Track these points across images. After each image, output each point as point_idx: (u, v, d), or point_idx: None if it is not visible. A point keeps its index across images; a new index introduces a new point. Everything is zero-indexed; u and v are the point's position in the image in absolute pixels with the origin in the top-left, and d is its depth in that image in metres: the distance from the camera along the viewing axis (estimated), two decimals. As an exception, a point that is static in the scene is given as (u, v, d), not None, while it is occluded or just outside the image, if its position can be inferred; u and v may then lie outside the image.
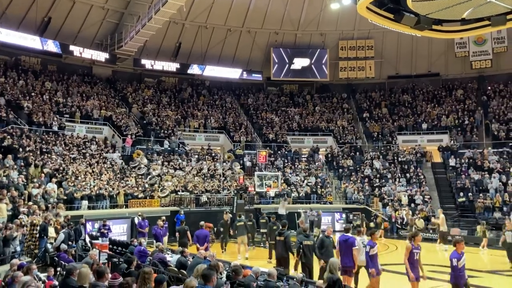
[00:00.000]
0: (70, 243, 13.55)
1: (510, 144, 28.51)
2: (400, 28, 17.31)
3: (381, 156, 31.47)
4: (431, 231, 22.44)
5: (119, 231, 20.23)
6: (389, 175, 29.35)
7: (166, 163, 27.31)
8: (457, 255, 8.42)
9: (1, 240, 12.46)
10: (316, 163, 31.97)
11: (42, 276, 9.40)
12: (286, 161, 31.63)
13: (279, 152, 32.56)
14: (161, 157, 27.89)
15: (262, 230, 19.53)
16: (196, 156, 30.00)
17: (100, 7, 30.67)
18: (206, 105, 35.68)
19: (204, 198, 24.33)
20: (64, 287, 7.17)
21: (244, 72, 37.17)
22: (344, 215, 26.23)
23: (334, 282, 6.68)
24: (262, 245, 19.07)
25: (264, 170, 29.21)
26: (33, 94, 27.10)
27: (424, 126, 33.03)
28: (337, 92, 39.12)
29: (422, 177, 28.63)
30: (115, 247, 14.25)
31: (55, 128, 25.38)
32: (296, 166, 31.36)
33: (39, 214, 15.35)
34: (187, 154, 29.76)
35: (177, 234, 16.68)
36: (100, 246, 14.55)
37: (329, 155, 32.80)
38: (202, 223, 14.93)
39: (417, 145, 31.82)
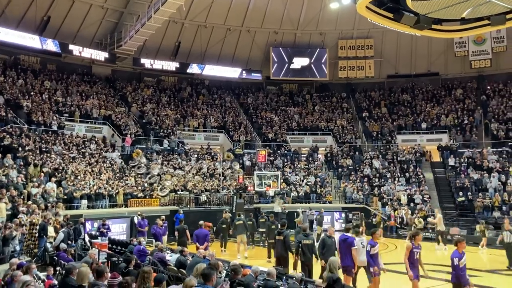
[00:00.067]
0: (69, 242, 13.55)
1: (510, 143, 28.54)
2: (400, 27, 17.30)
3: (380, 156, 31.48)
4: (430, 230, 22.45)
5: (118, 230, 20.25)
6: (388, 175, 29.36)
7: (165, 163, 27.30)
8: (458, 255, 8.42)
9: (0, 240, 12.47)
10: (316, 163, 31.98)
11: (42, 275, 9.40)
12: (285, 160, 31.64)
13: (278, 151, 32.57)
14: (160, 156, 27.89)
15: (261, 230, 19.55)
16: (196, 156, 29.99)
17: (99, 6, 30.64)
18: (205, 105, 35.67)
19: (203, 197, 24.34)
20: (64, 286, 7.16)
21: (244, 72, 37.16)
22: (343, 215, 26.26)
23: (334, 281, 6.68)
24: (261, 244, 19.08)
25: (263, 169, 29.23)
26: (32, 93, 27.08)
27: (424, 125, 33.05)
28: (336, 92, 39.12)
29: (421, 176, 28.65)
30: (114, 246, 14.24)
31: (55, 128, 25.36)
32: (295, 165, 31.36)
33: (39, 214, 15.36)
34: (187, 154, 29.75)
35: (176, 233, 16.69)
36: (100, 245, 14.54)
37: (329, 155, 32.81)
38: (201, 222, 14.93)
39: (416, 144, 31.84)
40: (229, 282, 7.25)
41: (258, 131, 34.40)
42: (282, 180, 28.02)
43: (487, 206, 24.31)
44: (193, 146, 31.48)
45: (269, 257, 15.29)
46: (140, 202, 22.42)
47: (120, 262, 10.06)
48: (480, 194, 25.37)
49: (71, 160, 23.14)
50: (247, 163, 30.62)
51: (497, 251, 17.22)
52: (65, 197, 19.50)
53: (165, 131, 30.45)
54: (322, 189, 28.64)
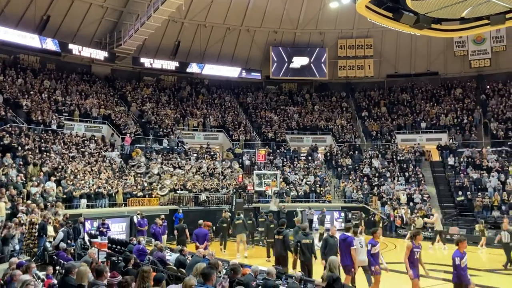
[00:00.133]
0: (69, 241, 13.57)
1: (509, 143, 28.56)
2: (399, 27, 17.31)
3: (380, 155, 31.49)
4: (429, 230, 22.46)
5: (118, 229, 20.27)
6: (388, 174, 29.37)
7: (165, 162, 27.29)
8: (460, 254, 8.41)
9: (0, 239, 12.45)
10: (315, 162, 31.99)
11: (41, 274, 9.40)
12: (285, 160, 31.64)
13: (278, 151, 32.57)
14: (160, 155, 27.89)
15: (260, 229, 19.56)
16: (195, 155, 29.99)
17: (99, 6, 30.62)
18: (205, 104, 35.66)
19: (203, 196, 24.33)
20: (63, 286, 7.16)
21: (243, 71, 37.16)
22: (343, 214, 26.28)
23: (334, 280, 6.69)
24: (261, 243, 19.08)
25: (263, 169, 29.24)
26: (32, 92, 27.05)
27: (423, 125, 33.06)
28: (336, 91, 39.12)
29: (421, 176, 28.67)
30: (114, 245, 14.24)
31: (54, 127, 25.34)
32: (295, 165, 31.37)
33: (38, 213, 15.34)
34: (186, 153, 29.75)
35: (175, 232, 16.72)
36: (99, 244, 14.56)
37: (328, 154, 32.81)
38: (200, 221, 14.93)
39: (416, 144, 31.84)
40: (228, 280, 7.25)
41: (258, 131, 34.40)
42: (281, 180, 28.04)
43: (486, 205, 24.32)
44: (192, 146, 31.48)
45: (269, 256, 15.30)
46: (139, 202, 22.42)
47: (119, 261, 10.07)
48: (479, 193, 25.39)
49: (70, 159, 23.13)
50: (247, 162, 30.62)
51: (497, 251, 17.23)
52: (65, 196, 19.50)
53: (165, 130, 30.44)
54: (321, 188, 28.65)
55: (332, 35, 37.36)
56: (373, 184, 28.77)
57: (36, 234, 14.35)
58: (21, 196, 16.85)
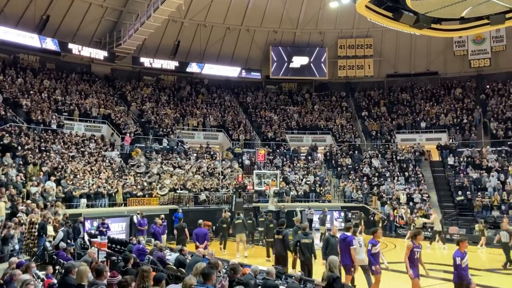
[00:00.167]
0: (68, 241, 13.57)
1: (509, 142, 28.57)
2: (399, 26, 17.31)
3: (379, 155, 31.50)
4: (429, 229, 22.47)
5: (117, 229, 20.28)
6: (387, 174, 29.38)
7: (165, 162, 27.29)
8: (461, 254, 8.40)
9: (0, 239, 12.45)
10: (315, 162, 31.98)
11: (41, 274, 9.40)
12: (285, 159, 31.64)
13: (278, 150, 32.57)
14: (160, 155, 27.88)
15: (260, 229, 19.56)
16: (195, 155, 29.99)
17: (98, 5, 30.60)
18: (205, 104, 35.66)
19: (203, 196, 24.32)
20: (63, 285, 7.17)
21: (243, 71, 37.15)
22: (342, 214, 26.28)
23: (333, 280, 6.70)
24: (260, 243, 19.08)
25: (263, 168, 29.23)
26: (31, 92, 27.04)
27: (423, 124, 33.07)
28: (336, 91, 39.12)
29: (420, 175, 28.67)
30: (113, 245, 14.24)
31: (54, 126, 25.33)
32: (294, 164, 31.38)
33: (38, 213, 15.34)
34: (186, 153, 29.75)
35: (175, 231, 16.74)
36: (99, 244, 14.56)
37: (328, 154, 32.81)
38: (200, 221, 14.94)
39: (415, 143, 31.84)
40: (228, 279, 7.26)
41: (258, 130, 34.40)
42: (281, 179, 28.03)
43: (486, 205, 24.33)
44: (192, 145, 31.47)
45: (268, 256, 15.31)
46: (139, 201, 22.43)
47: (119, 261, 10.07)
48: (479, 193, 25.40)
49: (70, 159, 23.12)
50: (247, 162, 30.62)
51: (496, 250, 17.23)
52: (64, 196, 19.51)
53: (165, 130, 30.43)
54: (321, 188, 28.65)
55: (332, 35, 37.35)
56: (373, 183, 28.78)
57: (36, 233, 14.35)
58: (21, 195, 16.86)
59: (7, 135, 21.04)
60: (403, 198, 26.38)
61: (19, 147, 20.73)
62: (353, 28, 36.55)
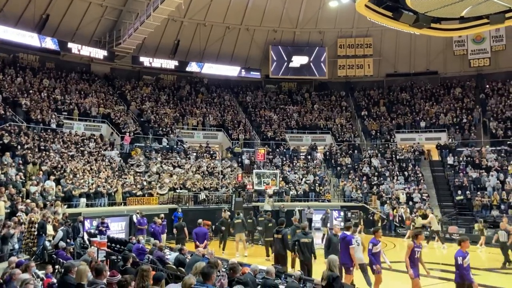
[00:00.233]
0: (68, 240, 13.56)
1: (508, 142, 28.57)
2: (399, 26, 17.28)
3: (379, 154, 31.50)
4: (428, 229, 22.47)
5: (117, 228, 20.29)
6: (387, 173, 29.38)
7: (164, 161, 27.29)
8: (462, 254, 8.37)
9: (-1, 238, 12.47)
10: (314, 161, 31.98)
11: (41, 273, 9.39)
12: (284, 159, 31.64)
13: (277, 150, 32.57)
14: (159, 154, 27.89)
15: (259, 228, 19.56)
16: (195, 154, 29.99)
17: (98, 5, 30.58)
18: (204, 103, 35.65)
19: (202, 195, 24.33)
20: (62, 285, 7.17)
21: (243, 70, 37.14)
22: (342, 213, 26.28)
23: (333, 279, 6.69)
24: (260, 242, 19.09)
25: (262, 168, 29.23)
26: (31, 91, 27.03)
27: (422, 124, 33.07)
28: (335, 90, 39.12)
29: (420, 175, 28.67)
30: (113, 244, 14.25)
31: (53, 126, 25.33)
32: (294, 164, 31.38)
33: (37, 212, 15.34)
34: (186, 152, 29.74)
35: (174, 230, 16.77)
36: (98, 243, 14.55)
37: (328, 153, 32.82)
38: (200, 220, 14.94)
39: (415, 143, 31.85)
40: (227, 278, 7.26)
41: (257, 130, 34.40)
42: (281, 179, 28.02)
43: (485, 204, 24.34)
44: (192, 145, 31.47)
45: (268, 255, 15.31)
46: (139, 201, 22.44)
47: (119, 260, 10.06)
48: (478, 192, 25.41)
49: (70, 158, 23.12)
50: (246, 161, 30.62)
51: (496, 250, 17.24)
52: (64, 195, 19.51)
53: (164, 129, 30.42)
54: (321, 187, 28.65)
55: (332, 34, 37.34)
56: (373, 183, 28.78)
57: (36, 233, 14.35)
58: (21, 195, 16.86)
59: (6, 134, 21.04)
60: (402, 198, 26.38)
61: (19, 147, 20.73)
62: (353, 28, 36.53)
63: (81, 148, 24.88)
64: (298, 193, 27.86)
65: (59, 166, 21.31)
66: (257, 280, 7.70)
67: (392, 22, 16.58)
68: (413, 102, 35.79)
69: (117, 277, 6.21)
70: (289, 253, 12.36)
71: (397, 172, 29.29)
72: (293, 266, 12.27)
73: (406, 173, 29.10)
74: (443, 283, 11.99)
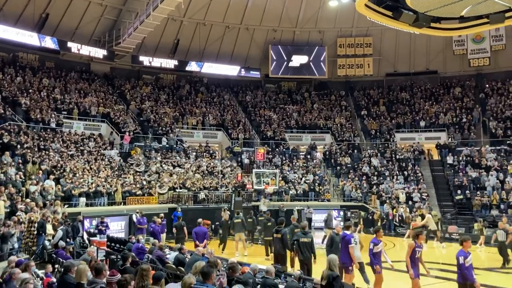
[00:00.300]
0: (68, 240, 13.56)
1: (508, 141, 28.57)
2: (399, 25, 17.29)
3: (379, 154, 31.50)
4: (425, 229, 22.44)
5: (117, 228, 20.28)
6: (387, 173, 29.39)
7: (164, 160, 27.28)
8: (464, 254, 8.32)
9: (-1, 237, 12.47)
10: (314, 161, 31.99)
11: (40, 273, 9.40)
12: (284, 158, 31.63)
13: (277, 149, 32.56)
14: (159, 154, 27.88)
15: (259, 227, 19.58)
16: (194, 154, 29.98)
17: (98, 4, 30.56)
18: (204, 102, 35.64)
19: (202, 195, 24.33)
20: (62, 284, 7.16)
21: (242, 69, 37.13)
22: (341, 213, 26.29)
23: (333, 278, 6.69)
24: (260, 242, 19.09)
25: (262, 167, 29.22)
26: (30, 90, 27.02)
27: (422, 123, 33.08)
28: (335, 90, 39.12)
29: (419, 174, 28.68)
30: (113, 244, 14.25)
31: (53, 125, 25.33)
32: (294, 163, 31.38)
33: (37, 211, 15.34)
34: (185, 152, 29.74)
35: (174, 230, 16.77)
36: (98, 243, 14.57)
37: (327, 153, 32.82)
38: (200, 220, 14.94)
39: (415, 142, 31.85)
40: (226, 276, 7.26)
41: (257, 129, 34.39)
42: (280, 178, 28.02)
43: (485, 204, 24.35)
44: (191, 144, 31.46)
45: (267, 254, 15.31)
46: (138, 200, 22.42)
47: (118, 260, 10.06)
48: (478, 192, 25.42)
49: (69, 157, 23.11)
50: (246, 161, 30.62)
51: (495, 249, 17.24)
52: (64, 194, 19.49)
53: (164, 128, 30.42)
54: (320, 187, 28.65)
55: (332, 34, 37.33)
56: (372, 183, 28.79)
57: (35, 232, 14.34)
58: (20, 194, 16.85)
59: (6, 133, 21.03)
60: (402, 197, 26.39)
61: (18, 146, 20.72)
62: (353, 27, 36.53)
63: (81, 148, 24.87)
64: (298, 192, 27.86)
65: (59, 165, 21.31)
66: (256, 279, 7.70)
67: (392, 22, 16.58)
68: (413, 101, 35.80)
69: (117, 277, 6.20)
70: (288, 253, 12.35)
71: (397, 172, 29.30)
72: (292, 266, 12.27)
73: (405, 172, 29.10)
74: (442, 283, 12.00)
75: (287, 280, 8.30)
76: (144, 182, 24.17)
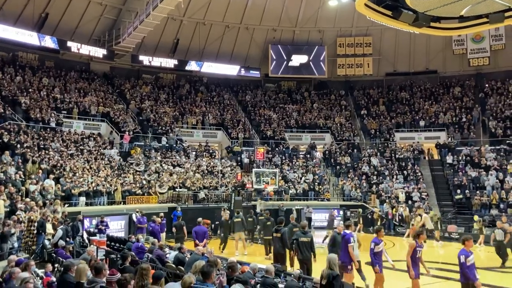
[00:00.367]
0: (67, 239, 13.56)
1: (507, 141, 28.56)
2: (398, 25, 17.32)
3: (378, 153, 31.51)
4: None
5: (116, 227, 20.29)
6: (386, 172, 29.40)
7: (164, 160, 27.29)
8: (466, 253, 8.31)
9: (-2, 237, 12.47)
10: (314, 160, 32.00)
11: (40, 272, 9.40)
12: (283, 158, 31.64)
13: (276, 149, 32.56)
14: (159, 153, 27.89)
15: (259, 227, 19.59)
16: (194, 153, 29.98)
17: (97, 3, 30.55)
18: (204, 102, 35.63)
19: (202, 194, 24.34)
20: (62, 283, 7.17)
21: (242, 69, 37.12)
22: (341, 212, 26.30)
23: (333, 277, 6.69)
24: (260, 241, 19.11)
25: (261, 167, 29.21)
26: (30, 90, 27.02)
27: (422, 123, 33.09)
28: (335, 89, 39.12)
29: (419, 174, 28.68)
30: (112, 243, 14.25)
31: (53, 124, 25.32)
32: (293, 163, 31.38)
33: (37, 211, 15.34)
34: (185, 151, 29.74)
35: (173, 229, 16.77)
36: (98, 242, 14.59)
37: (327, 152, 32.83)
38: (200, 219, 14.97)
39: (414, 142, 31.86)
40: (225, 276, 7.27)
41: (257, 129, 34.40)
42: (280, 178, 28.03)
43: (484, 203, 24.35)
44: (191, 144, 31.45)
45: (267, 254, 15.32)
46: (138, 199, 22.42)
47: (118, 259, 10.07)
48: (478, 192, 25.40)
49: (69, 157, 23.11)
50: (246, 160, 30.63)
51: (494, 249, 17.27)
52: (63, 194, 19.50)
53: (164, 128, 30.42)
54: (320, 186, 28.66)
55: (331, 33, 37.33)
56: (372, 182, 28.80)
57: (35, 231, 14.35)
58: (20, 193, 16.83)
59: (6, 133, 21.05)
60: (402, 197, 26.40)
61: (18, 145, 20.73)
62: (352, 27, 36.53)
63: (81, 147, 24.87)
64: (298, 192, 27.87)
65: (59, 164, 21.32)
66: (256, 278, 7.71)
67: (391, 21, 16.61)
68: (413, 101, 35.80)
69: (117, 276, 6.21)
70: (288, 252, 12.36)
71: (397, 171, 29.31)
72: (292, 265, 12.28)
73: (405, 172, 29.11)
74: (441, 282, 12.01)
75: (286, 280, 8.31)
76: (144, 182, 24.18)
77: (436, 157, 30.85)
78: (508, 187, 24.64)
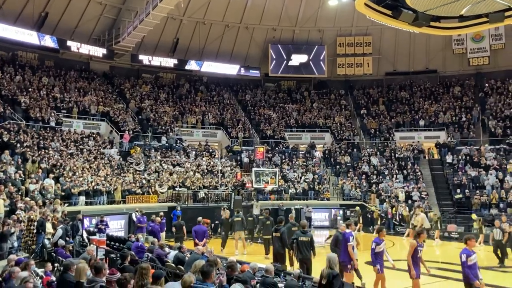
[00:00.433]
0: (67, 238, 13.56)
1: (507, 141, 28.58)
2: (398, 24, 17.33)
3: (378, 153, 31.51)
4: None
5: (116, 227, 20.30)
6: (386, 172, 29.40)
7: (164, 159, 27.28)
8: (468, 252, 8.23)
9: (-2, 236, 12.47)
10: (314, 160, 32.00)
11: (40, 271, 9.39)
12: (283, 157, 31.64)
13: (276, 148, 32.57)
14: (158, 153, 27.89)
15: (258, 226, 19.59)
16: (194, 152, 29.98)
17: (97, 2, 30.53)
18: (203, 101, 35.63)
19: (201, 194, 24.34)
20: (62, 283, 7.17)
21: (242, 68, 37.11)
22: (341, 212, 26.31)
23: (334, 277, 6.69)
24: (259, 241, 19.11)
25: (261, 166, 29.20)
26: (30, 89, 27.00)
27: (422, 122, 33.10)
28: (334, 89, 39.12)
29: (419, 173, 28.69)
30: (112, 243, 14.26)
31: (53, 124, 25.32)
32: (293, 162, 31.38)
33: (37, 210, 15.34)
34: (185, 150, 29.74)
35: (173, 229, 16.77)
36: (98, 241, 14.58)
37: (327, 152, 32.83)
38: (199, 218, 14.97)
39: (414, 141, 31.87)
40: (225, 274, 7.27)
41: (256, 128, 34.40)
42: (280, 177, 28.02)
43: (484, 203, 24.37)
44: (191, 143, 31.45)
45: (267, 253, 15.32)
46: (138, 199, 22.42)
47: (118, 258, 10.07)
48: (477, 191, 25.42)
49: (69, 156, 23.11)
50: (245, 160, 30.62)
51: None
52: (63, 193, 19.50)
53: (163, 127, 30.41)
54: (320, 186, 28.67)
55: (331, 33, 37.32)
56: (372, 181, 28.81)
57: (35, 231, 14.34)
58: (20, 193, 16.84)
59: (5, 132, 21.04)
60: (401, 196, 26.41)
61: (18, 145, 20.72)
62: (352, 26, 36.52)
63: (80, 146, 24.87)
64: (297, 191, 27.88)
65: (58, 164, 21.32)
66: (256, 278, 7.71)
67: (391, 21, 16.62)
68: (412, 100, 35.81)
69: (117, 275, 6.21)
70: (287, 251, 12.36)
71: (396, 171, 29.32)
72: (291, 264, 12.29)
73: (405, 171, 29.12)
74: (441, 282, 12.02)
75: (286, 279, 8.32)
76: (144, 181, 24.19)
77: (436, 156, 30.87)
78: (508, 187, 24.66)
